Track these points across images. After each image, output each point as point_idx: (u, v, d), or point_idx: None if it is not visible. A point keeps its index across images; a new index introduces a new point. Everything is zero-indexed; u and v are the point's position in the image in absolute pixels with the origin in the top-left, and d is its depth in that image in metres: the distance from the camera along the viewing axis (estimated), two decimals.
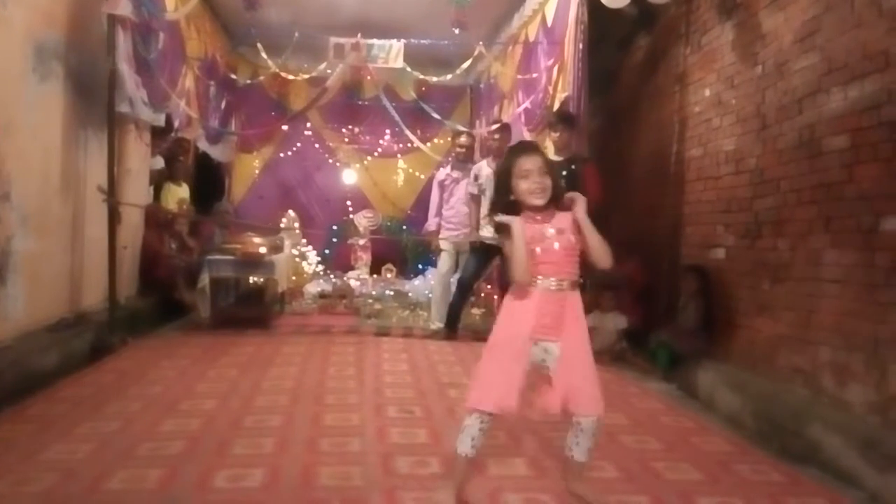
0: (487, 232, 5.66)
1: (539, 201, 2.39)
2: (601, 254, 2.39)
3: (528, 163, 2.39)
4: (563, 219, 2.43)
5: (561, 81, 5.59)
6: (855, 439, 2.86)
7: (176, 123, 6.46)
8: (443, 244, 6.24)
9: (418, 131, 8.64)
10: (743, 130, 4.20)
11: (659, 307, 5.18)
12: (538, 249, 2.38)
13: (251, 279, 6.73)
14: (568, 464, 2.55)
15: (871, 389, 2.94)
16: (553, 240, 2.40)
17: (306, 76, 7.48)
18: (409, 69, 6.87)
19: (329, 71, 7.19)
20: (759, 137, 3.99)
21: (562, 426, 3.41)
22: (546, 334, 2.40)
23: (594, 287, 5.24)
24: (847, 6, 3.23)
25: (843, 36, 3.25)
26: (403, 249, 9.63)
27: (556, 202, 2.44)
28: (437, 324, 6.04)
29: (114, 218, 5.00)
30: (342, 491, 2.52)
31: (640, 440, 3.27)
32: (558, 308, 2.39)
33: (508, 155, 2.52)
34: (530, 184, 2.38)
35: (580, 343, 2.44)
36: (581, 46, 5.16)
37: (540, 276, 2.39)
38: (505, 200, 2.44)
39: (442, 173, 6.43)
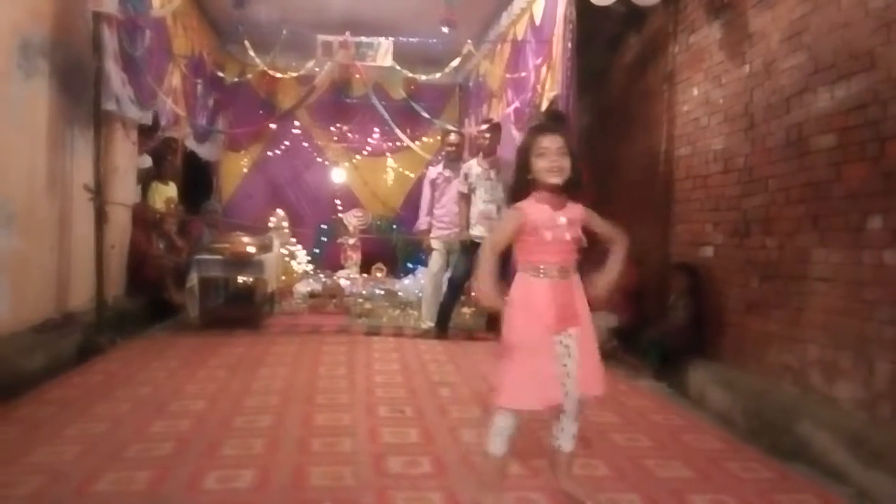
0: (478, 231, 5.66)
1: (556, 180, 2.35)
2: (616, 238, 2.53)
3: (547, 141, 2.36)
4: (574, 210, 2.43)
5: (549, 80, 5.60)
6: (843, 436, 2.88)
7: (163, 122, 6.42)
8: (434, 243, 6.23)
9: (408, 130, 8.64)
10: (731, 129, 4.22)
11: (649, 306, 5.20)
12: (549, 235, 2.36)
13: (240, 279, 6.68)
14: (556, 458, 2.55)
15: (859, 386, 2.97)
16: (564, 229, 2.38)
17: (294, 74, 7.43)
18: (398, 67, 6.86)
19: (317, 69, 7.16)
20: (747, 136, 4.02)
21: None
22: (567, 324, 2.41)
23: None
24: (834, 6, 3.25)
25: (829, 35, 3.28)
26: (393, 248, 9.61)
27: (574, 187, 2.42)
28: (428, 323, 6.03)
29: (101, 217, 4.96)
30: (333, 491, 2.52)
31: (632, 438, 3.28)
32: (570, 296, 2.42)
33: (530, 132, 2.50)
34: (548, 162, 2.35)
35: (590, 326, 2.49)
36: (570, 45, 5.17)
37: (543, 265, 2.38)
38: (524, 178, 2.41)
39: (433, 172, 6.42)
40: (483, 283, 2.40)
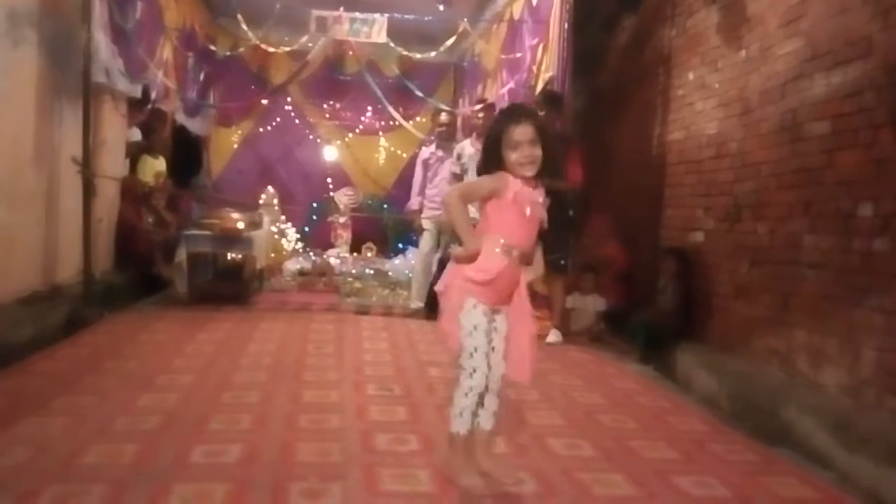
0: (471, 212, 5.64)
1: (529, 173, 2.28)
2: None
3: (518, 132, 2.24)
4: (541, 193, 2.35)
5: (545, 61, 5.57)
6: (827, 421, 2.91)
7: (153, 95, 6.34)
8: (425, 223, 6.21)
9: (401, 109, 8.55)
10: (725, 114, 4.21)
11: (638, 289, 5.22)
12: (528, 211, 2.28)
13: (229, 255, 6.65)
14: (475, 435, 2.41)
15: (845, 372, 2.99)
16: (538, 207, 2.31)
17: (287, 49, 7.35)
18: (392, 45, 6.79)
19: (311, 44, 7.07)
20: (742, 122, 4.01)
21: (540, 404, 3.45)
22: (502, 304, 2.35)
23: (575, 269, 5.27)
24: None
25: (827, 22, 3.26)
26: (384, 228, 9.59)
27: (549, 174, 2.34)
28: (418, 303, 6.03)
29: (88, 190, 4.91)
30: (320, 467, 2.52)
31: (618, 419, 3.31)
32: (516, 279, 2.36)
33: (499, 120, 2.38)
34: (520, 155, 2.25)
35: (527, 310, 2.42)
36: (566, 26, 5.13)
37: (509, 243, 2.29)
38: (493, 170, 2.31)
39: (426, 152, 6.38)
40: (466, 233, 2.29)
